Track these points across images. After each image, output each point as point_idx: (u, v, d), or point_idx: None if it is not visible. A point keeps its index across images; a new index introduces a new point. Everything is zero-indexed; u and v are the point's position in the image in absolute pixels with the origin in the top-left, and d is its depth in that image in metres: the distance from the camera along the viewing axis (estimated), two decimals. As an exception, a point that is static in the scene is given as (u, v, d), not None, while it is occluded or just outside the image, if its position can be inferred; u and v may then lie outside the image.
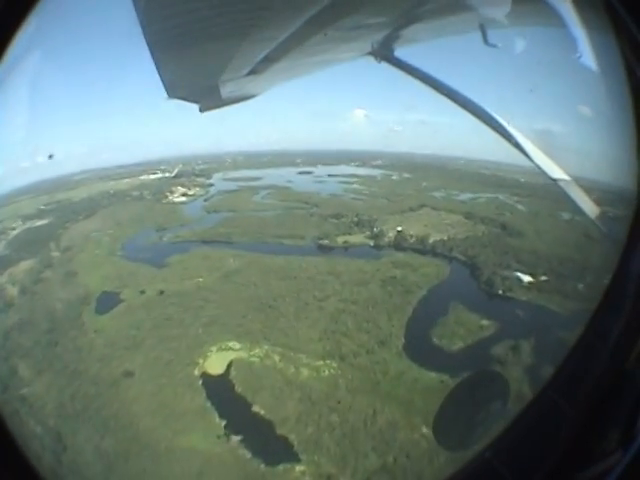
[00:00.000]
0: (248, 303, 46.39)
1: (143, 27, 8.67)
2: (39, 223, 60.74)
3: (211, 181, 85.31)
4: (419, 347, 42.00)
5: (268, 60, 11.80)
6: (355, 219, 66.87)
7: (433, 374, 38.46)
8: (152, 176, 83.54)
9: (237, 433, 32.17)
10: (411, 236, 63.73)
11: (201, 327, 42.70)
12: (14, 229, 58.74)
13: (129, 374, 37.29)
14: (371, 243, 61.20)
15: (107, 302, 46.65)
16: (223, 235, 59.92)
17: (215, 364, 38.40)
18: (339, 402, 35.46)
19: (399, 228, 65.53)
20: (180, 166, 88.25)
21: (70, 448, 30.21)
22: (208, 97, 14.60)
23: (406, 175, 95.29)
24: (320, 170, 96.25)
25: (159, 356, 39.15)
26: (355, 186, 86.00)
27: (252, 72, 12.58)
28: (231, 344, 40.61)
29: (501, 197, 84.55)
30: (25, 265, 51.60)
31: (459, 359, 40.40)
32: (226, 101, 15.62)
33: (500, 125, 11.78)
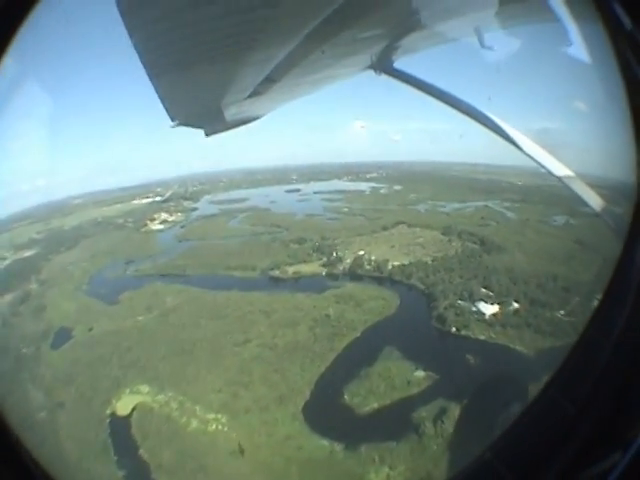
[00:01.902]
0: (170, 346, 41.14)
1: (141, 56, 7.88)
2: (27, 254, 57.78)
3: (197, 205, 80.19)
4: (322, 407, 34.02)
5: (269, 80, 11.13)
6: (317, 244, 58.98)
7: (325, 442, 31.05)
8: (143, 200, 79.26)
9: (122, 470, 30.65)
10: (370, 262, 54.95)
11: (123, 369, 39.29)
12: (5, 259, 56.30)
13: (61, 405, 35.90)
14: (324, 272, 53.27)
15: (62, 338, 43.99)
16: (180, 268, 54.52)
17: (124, 405, 35.71)
18: (214, 460, 30.49)
19: (361, 252, 57.07)
20: (175, 187, 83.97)
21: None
22: (212, 121, 13.73)
23: (396, 187, 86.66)
24: (310, 187, 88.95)
25: (84, 392, 37.03)
26: (337, 204, 78.33)
27: (254, 94, 11.90)
28: (142, 387, 37.24)
29: (491, 205, 75.54)
30: (8, 297, 49.30)
31: (364, 425, 32.37)
32: (231, 124, 14.76)
33: (499, 127, 11.24)
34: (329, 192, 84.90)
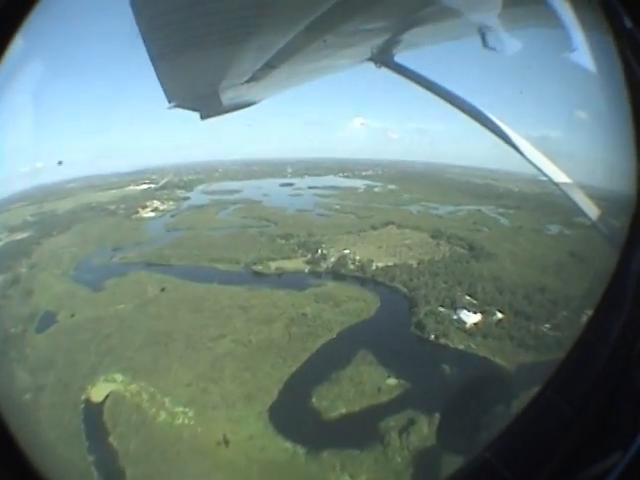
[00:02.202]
0: (147, 336, 40.54)
1: (143, 36, 7.79)
2: (20, 236, 56.69)
3: (189, 194, 78.66)
4: (289, 408, 33.22)
5: (268, 67, 10.99)
6: (303, 240, 57.69)
7: (288, 444, 30.32)
8: (138, 187, 77.68)
9: (92, 454, 30.33)
10: (354, 261, 53.65)
11: (100, 356, 38.88)
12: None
13: (41, 388, 35.46)
14: (306, 270, 52.14)
15: (46, 321, 43.47)
16: (165, 257, 53.53)
17: (98, 393, 35.40)
18: (178, 453, 30.08)
19: (346, 251, 55.61)
20: (170, 176, 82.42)
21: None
22: (209, 104, 13.42)
23: (391, 187, 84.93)
24: (304, 181, 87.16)
25: (62, 377, 36.62)
26: (329, 200, 76.72)
27: (252, 79, 11.76)
28: (116, 376, 36.78)
29: (484, 210, 73.52)
30: None
31: (329, 431, 31.64)
32: (227, 108, 14.50)
33: (500, 129, 11.03)
34: (323, 188, 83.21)
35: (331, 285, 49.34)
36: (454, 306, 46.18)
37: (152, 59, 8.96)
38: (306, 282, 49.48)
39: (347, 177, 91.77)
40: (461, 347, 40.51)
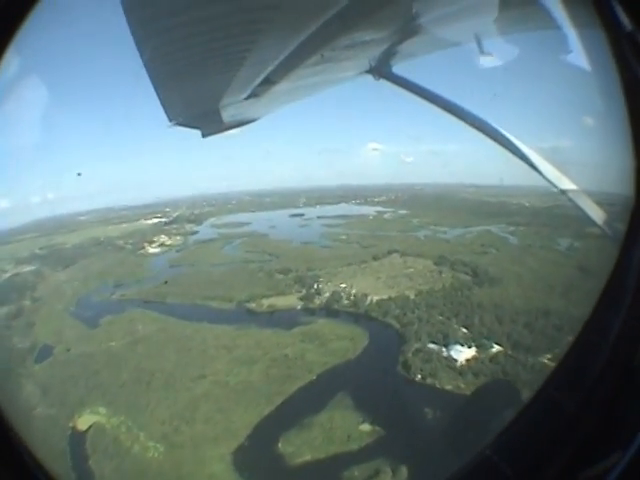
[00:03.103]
0: (132, 374, 42.41)
1: (142, 55, 8.17)
2: (27, 269, 59.50)
3: (199, 228, 79.64)
4: (254, 452, 33.69)
5: (267, 83, 11.28)
6: (301, 275, 57.68)
7: None
8: (149, 221, 79.15)
9: (74, 472, 32.99)
10: (349, 296, 53.05)
11: (88, 390, 41.60)
12: (6, 272, 58.56)
13: (35, 411, 38.16)
14: (299, 307, 51.85)
15: (44, 354, 46.41)
16: (162, 295, 54.89)
17: (83, 422, 38.24)
18: None
19: (342, 285, 55.09)
20: (183, 209, 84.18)
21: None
22: (209, 122, 13.70)
23: (402, 212, 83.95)
24: (315, 211, 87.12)
25: (55, 405, 39.86)
26: (336, 230, 76.24)
27: (252, 95, 12.07)
28: (100, 409, 39.37)
29: (494, 229, 71.99)
30: (3, 311, 52.58)
31: (289, 477, 32.08)
32: (227, 125, 14.73)
33: (508, 140, 10.94)
34: (332, 217, 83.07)
35: (321, 322, 48.95)
36: (446, 341, 44.95)
37: (151, 77, 9.20)
38: (296, 320, 49.31)
39: (359, 204, 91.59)
40: (449, 387, 39.02)
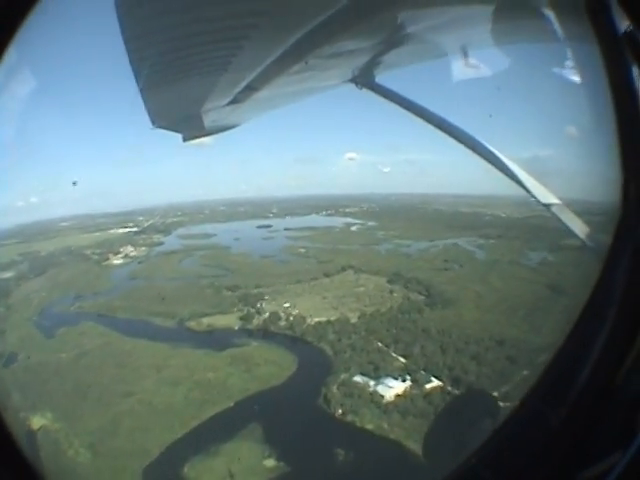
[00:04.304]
0: (74, 385, 46.10)
1: (130, 57, 8.40)
2: (5, 275, 63.31)
3: (165, 238, 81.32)
4: (161, 472, 36.65)
5: (249, 89, 11.43)
6: (248, 292, 59.00)
7: None
8: (120, 230, 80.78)
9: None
10: (288, 317, 54.07)
11: (40, 396, 44.87)
12: None
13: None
14: (236, 327, 53.38)
15: (11, 360, 50.43)
16: (113, 309, 57.87)
17: (36, 422, 41.06)
18: None
19: (286, 305, 56.23)
20: (157, 218, 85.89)
21: None
22: (190, 127, 14.16)
23: (371, 223, 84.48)
24: (283, 222, 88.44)
25: (15, 406, 41.05)
26: (299, 243, 77.22)
27: (234, 101, 12.19)
28: (47, 414, 42.69)
29: (462, 242, 71.22)
30: None
31: None
32: (208, 130, 15.14)
33: (487, 151, 11.12)
34: (299, 229, 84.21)
35: (254, 345, 50.69)
36: (377, 374, 43.08)
37: (138, 81, 9.32)
38: (230, 341, 51.16)
39: (329, 215, 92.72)
40: (370, 427, 37.72)
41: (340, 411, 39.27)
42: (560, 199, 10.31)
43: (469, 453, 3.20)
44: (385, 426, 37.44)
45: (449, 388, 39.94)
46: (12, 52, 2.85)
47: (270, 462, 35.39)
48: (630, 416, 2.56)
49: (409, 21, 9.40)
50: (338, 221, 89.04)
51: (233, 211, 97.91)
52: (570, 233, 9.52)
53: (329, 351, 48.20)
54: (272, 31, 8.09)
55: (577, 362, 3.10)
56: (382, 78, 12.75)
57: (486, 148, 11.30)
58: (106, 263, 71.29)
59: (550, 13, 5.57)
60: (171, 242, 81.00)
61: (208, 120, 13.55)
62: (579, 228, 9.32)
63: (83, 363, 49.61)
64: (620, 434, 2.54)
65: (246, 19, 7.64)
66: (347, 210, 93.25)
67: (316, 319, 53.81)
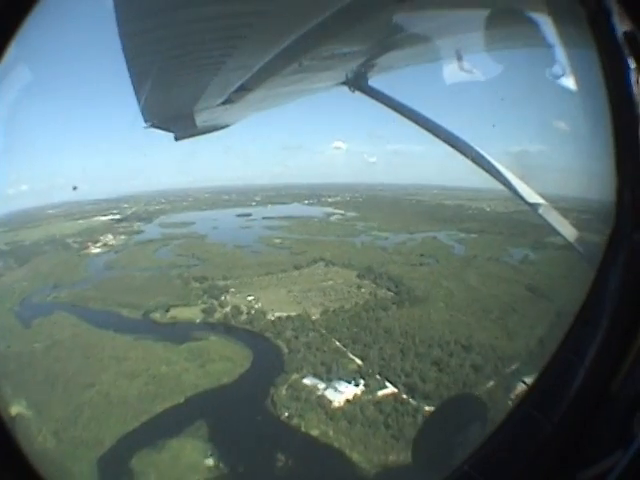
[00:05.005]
0: (44, 375, 48.01)
1: (126, 55, 8.57)
2: None
3: (146, 227, 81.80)
4: (111, 463, 38.44)
5: (243, 89, 11.57)
6: (214, 283, 59.74)
7: None
8: (103, 218, 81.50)
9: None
10: (250, 311, 54.71)
11: (16, 384, 45.73)
12: None
13: None
14: (198, 320, 54.31)
15: None
16: (85, 299, 59.70)
17: (14, 409, 39.43)
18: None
19: (250, 298, 56.96)
20: (141, 205, 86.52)
21: None
22: (183, 126, 14.11)
23: (351, 214, 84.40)
24: (262, 211, 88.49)
25: None
26: (276, 232, 77.44)
27: (227, 101, 12.37)
28: (22, 402, 43.54)
29: (442, 236, 70.31)
30: None
31: None
32: (201, 130, 15.21)
33: (475, 152, 11.30)
34: (278, 218, 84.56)
35: (212, 340, 51.72)
36: (329, 375, 42.37)
37: (133, 78, 9.44)
38: (190, 335, 52.35)
39: (311, 204, 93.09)
40: (314, 433, 36.94)
41: (286, 414, 38.73)
42: (556, 208, 10.26)
43: (464, 458, 3.23)
44: (330, 433, 36.51)
45: (403, 396, 38.67)
46: (12, 49, 2.91)
47: (210, 461, 36.23)
48: (626, 420, 2.56)
49: (404, 24, 9.53)
50: (319, 211, 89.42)
51: (217, 199, 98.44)
52: (553, 230, 9.57)
53: (285, 349, 48.23)
54: (267, 32, 8.17)
55: (572, 367, 3.11)
56: (374, 81, 13.00)
57: (479, 153, 11.38)
58: (85, 252, 72.63)
59: (547, 16, 5.48)
60: (151, 231, 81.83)
61: (200, 120, 13.85)
62: (564, 223, 9.39)
63: (53, 354, 52.04)
64: (617, 438, 2.54)
65: (241, 19, 7.75)
66: (330, 200, 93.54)
67: (277, 314, 54.25)
